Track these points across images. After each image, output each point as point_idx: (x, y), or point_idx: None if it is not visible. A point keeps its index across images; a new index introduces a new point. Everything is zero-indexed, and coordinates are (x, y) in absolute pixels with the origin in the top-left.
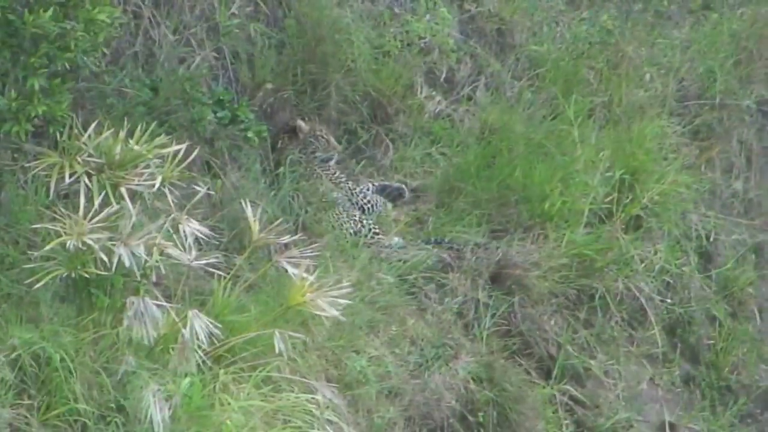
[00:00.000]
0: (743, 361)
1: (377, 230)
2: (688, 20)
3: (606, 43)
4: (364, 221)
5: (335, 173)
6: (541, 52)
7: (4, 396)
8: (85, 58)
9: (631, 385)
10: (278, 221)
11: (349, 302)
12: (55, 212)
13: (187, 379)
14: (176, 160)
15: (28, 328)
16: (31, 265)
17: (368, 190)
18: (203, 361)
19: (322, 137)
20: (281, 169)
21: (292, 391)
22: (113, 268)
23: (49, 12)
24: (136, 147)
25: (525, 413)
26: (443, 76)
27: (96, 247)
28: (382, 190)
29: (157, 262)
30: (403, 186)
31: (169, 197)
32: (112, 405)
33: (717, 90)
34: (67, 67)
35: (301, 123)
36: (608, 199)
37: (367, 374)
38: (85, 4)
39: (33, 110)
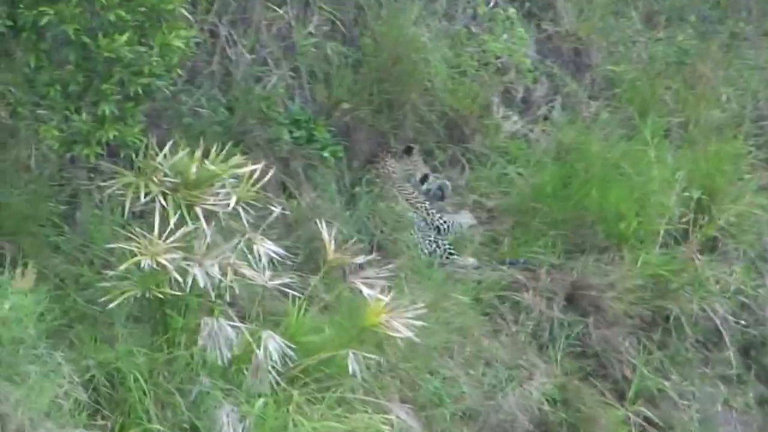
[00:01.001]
0: None
1: (452, 251)
2: (765, 42)
3: (682, 64)
4: (440, 242)
5: (412, 193)
6: (618, 72)
7: (79, 416)
8: (158, 82)
9: (705, 407)
10: (353, 241)
11: (424, 323)
12: (130, 232)
13: (261, 400)
14: (251, 180)
15: (102, 349)
16: (106, 285)
17: (436, 206)
18: (277, 382)
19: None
20: (357, 189)
21: (366, 412)
22: (188, 289)
23: (125, 36)
24: (211, 167)
25: None
26: (519, 95)
27: (170, 267)
28: (426, 194)
29: (231, 282)
30: (446, 182)
31: (244, 217)
32: (186, 426)
33: None
34: (142, 91)
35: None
36: (684, 219)
37: (442, 395)
38: (161, 27)
39: (104, 135)
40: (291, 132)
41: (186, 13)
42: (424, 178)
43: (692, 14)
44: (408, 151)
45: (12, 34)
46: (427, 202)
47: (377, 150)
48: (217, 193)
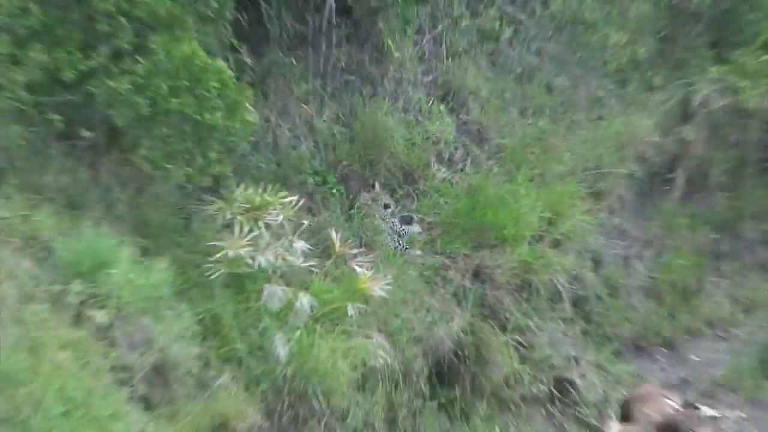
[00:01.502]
0: (616, 321)
1: (407, 247)
2: (592, 125)
3: (542, 139)
4: (400, 241)
5: (384, 213)
6: (504, 143)
7: (193, 341)
8: (239, 142)
9: (551, 335)
10: (350, 241)
11: (391, 287)
12: (221, 235)
13: (299, 331)
14: (291, 205)
15: (207, 302)
16: (209, 266)
17: (397, 219)
18: (307, 321)
19: (388, 202)
20: (352, 211)
21: (359, 338)
22: (256, 268)
23: (219, 114)
24: (267, 197)
25: (491, 351)
26: (446, 157)
27: (245, 255)
28: (402, 220)
29: (280, 264)
30: (413, 215)
31: (287, 227)
32: (256, 345)
33: (605, 164)
34: (230, 146)
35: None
36: (541, 229)
37: (402, 328)
38: (240, 110)
39: (211, 170)
40: (314, 178)
41: (250, 107)
42: (386, 206)
43: (547, 109)
44: (373, 186)
45: (151, 117)
46: (394, 219)
47: (362, 189)
48: (272, 213)
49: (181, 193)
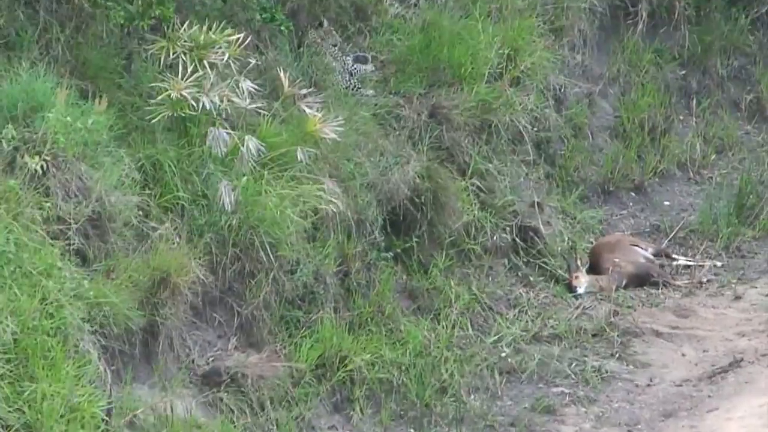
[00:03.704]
0: (581, 164)
1: (360, 86)
2: None
3: None
4: (352, 80)
5: (334, 51)
6: None
7: (134, 188)
8: None
9: (513, 179)
10: (299, 80)
11: (342, 129)
12: (164, 76)
13: (245, 178)
14: (237, 44)
15: (148, 147)
16: (150, 108)
17: (350, 58)
18: (254, 167)
19: (338, 40)
20: (301, 49)
21: (309, 184)
22: (200, 110)
23: None
24: (213, 35)
25: (450, 197)
26: None
27: (189, 97)
28: (355, 59)
29: (226, 106)
30: (366, 55)
31: (233, 66)
32: (200, 193)
33: None
34: None
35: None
36: (500, 66)
37: (354, 173)
38: None
39: (152, 12)
40: (261, 15)
41: None
42: (337, 46)
43: None
44: (321, 24)
45: None
46: (346, 57)
47: (311, 26)
48: (217, 52)
49: (122, 32)
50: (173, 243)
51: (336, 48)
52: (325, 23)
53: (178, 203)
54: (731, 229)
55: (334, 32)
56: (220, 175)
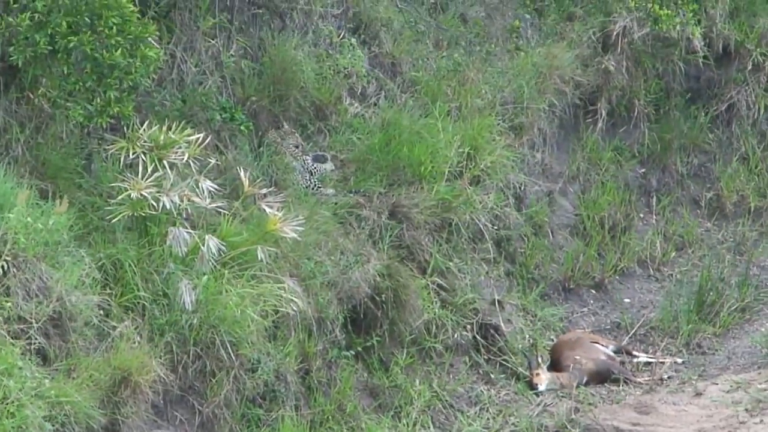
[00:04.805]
0: (542, 262)
1: (320, 185)
2: (507, 56)
3: (457, 71)
4: (312, 180)
5: (294, 150)
6: (418, 76)
7: (95, 288)
8: (141, 80)
9: (474, 278)
10: (260, 180)
11: (302, 228)
12: (124, 176)
13: (205, 277)
14: (197, 144)
15: (109, 247)
16: (111, 208)
17: (310, 158)
18: (215, 266)
19: (298, 139)
20: (261, 149)
21: (269, 283)
22: (160, 210)
23: (119, 52)
24: (173, 135)
25: (410, 295)
26: (359, 91)
27: (149, 197)
28: (315, 158)
29: (186, 206)
30: (326, 154)
31: (193, 166)
32: (161, 293)
33: (525, 97)
34: (131, 84)
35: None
36: (459, 165)
37: (315, 272)
38: (141, 47)
39: (111, 110)
40: (221, 115)
41: (154, 43)
42: (297, 146)
43: (463, 41)
44: (281, 124)
45: (50, 55)
46: (306, 156)
47: (272, 126)
48: (177, 152)
49: (82, 132)
50: (134, 342)
51: (296, 147)
52: (285, 123)
53: (138, 302)
54: (692, 326)
55: (294, 132)
56: (180, 275)
